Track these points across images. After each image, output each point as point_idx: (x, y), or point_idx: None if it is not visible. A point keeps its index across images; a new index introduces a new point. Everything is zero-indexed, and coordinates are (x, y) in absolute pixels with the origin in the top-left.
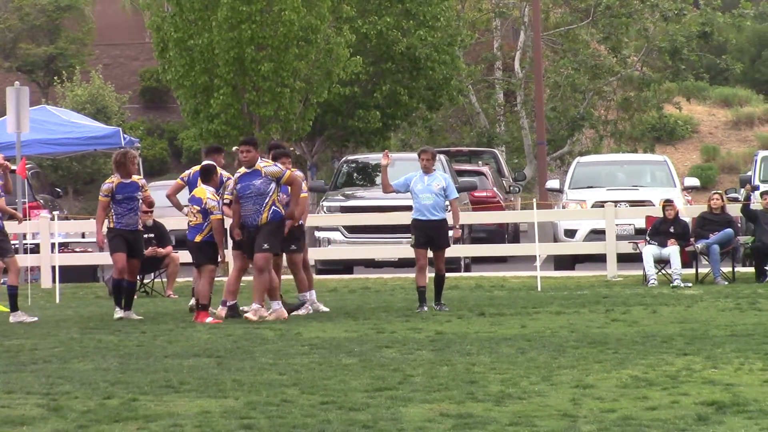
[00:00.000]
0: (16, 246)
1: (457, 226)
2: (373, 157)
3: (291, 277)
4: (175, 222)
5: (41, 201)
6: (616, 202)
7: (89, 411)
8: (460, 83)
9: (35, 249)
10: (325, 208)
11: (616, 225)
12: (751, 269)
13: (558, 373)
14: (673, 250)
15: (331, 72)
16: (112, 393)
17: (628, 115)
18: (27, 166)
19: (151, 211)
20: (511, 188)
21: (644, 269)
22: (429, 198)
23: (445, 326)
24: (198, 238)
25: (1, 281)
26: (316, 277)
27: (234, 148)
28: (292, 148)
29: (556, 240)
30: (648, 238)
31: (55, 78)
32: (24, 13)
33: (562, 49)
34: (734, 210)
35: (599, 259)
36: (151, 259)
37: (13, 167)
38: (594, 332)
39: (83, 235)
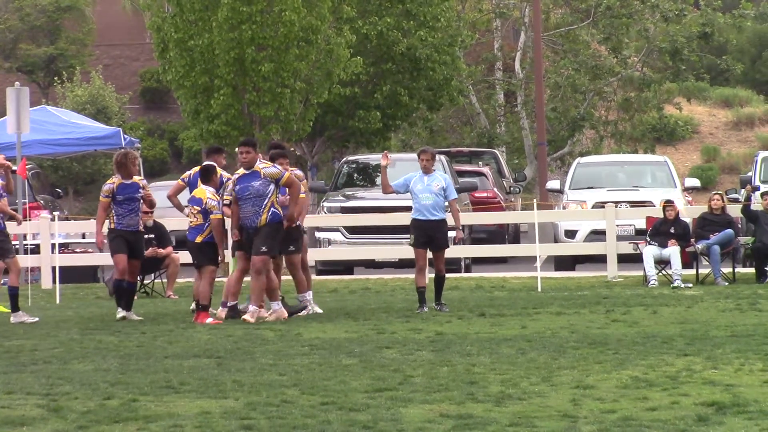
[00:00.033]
0: (17, 246)
1: (459, 227)
2: (374, 158)
3: (290, 277)
4: (175, 222)
5: (41, 201)
6: (616, 202)
7: (89, 411)
8: (461, 84)
9: (35, 249)
10: (325, 209)
11: (617, 225)
12: (752, 270)
13: (558, 373)
14: (673, 251)
15: (331, 72)
16: (112, 393)
17: (628, 115)
18: (27, 167)
19: (152, 212)
20: (512, 189)
21: (645, 270)
22: (429, 198)
23: (445, 327)
24: (199, 239)
25: (2, 282)
26: (316, 277)
27: (237, 149)
28: (292, 149)
29: (556, 241)
30: (648, 239)
31: (56, 78)
32: (24, 14)
33: (562, 50)
34: (735, 211)
35: (600, 259)
36: (152, 260)
37: (14, 168)
38: (594, 333)
39: (83, 236)
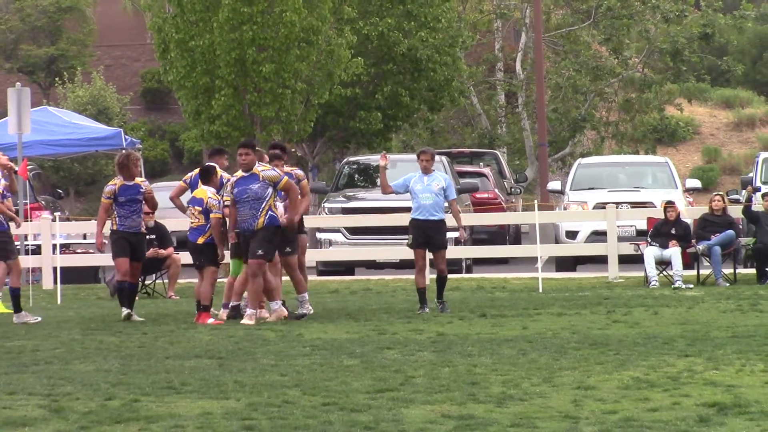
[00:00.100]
0: (18, 247)
1: (461, 227)
2: (375, 159)
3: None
4: (176, 223)
5: (42, 202)
6: (617, 203)
7: (91, 412)
8: (462, 84)
9: (36, 250)
10: (326, 210)
11: (618, 226)
12: (753, 271)
13: (559, 374)
14: (674, 252)
15: (332, 73)
16: (114, 394)
17: (629, 116)
18: (28, 167)
19: (153, 213)
20: (513, 189)
21: (645, 271)
22: (429, 198)
23: (446, 327)
24: (200, 240)
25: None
26: (317, 278)
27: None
28: (293, 150)
29: (557, 241)
30: (649, 240)
31: (57, 79)
32: (25, 14)
33: (563, 51)
34: (735, 211)
35: (600, 260)
36: (153, 261)
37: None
38: (595, 333)
39: (84, 237)
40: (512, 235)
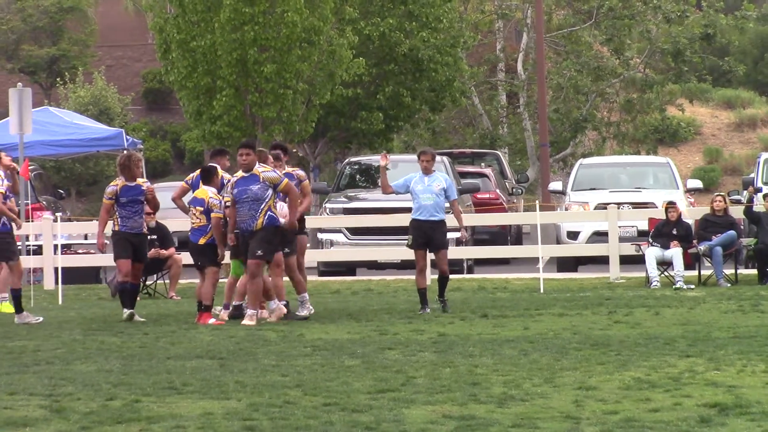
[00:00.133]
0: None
1: (462, 227)
2: (376, 159)
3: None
4: (177, 224)
5: (44, 202)
6: (618, 204)
7: (92, 412)
8: (463, 85)
9: (38, 250)
10: (327, 210)
11: (619, 227)
12: (754, 271)
13: (560, 374)
14: (675, 252)
15: (333, 73)
16: (115, 394)
17: (630, 116)
18: (30, 168)
19: (154, 213)
20: (514, 190)
21: (647, 271)
22: (430, 198)
23: (447, 328)
24: (202, 241)
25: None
26: (319, 278)
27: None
28: (295, 150)
29: (558, 242)
30: (651, 240)
31: (58, 79)
32: (27, 15)
33: (564, 51)
34: (737, 212)
35: (602, 260)
36: (154, 261)
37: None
38: (596, 334)
39: (86, 237)
40: (513, 235)
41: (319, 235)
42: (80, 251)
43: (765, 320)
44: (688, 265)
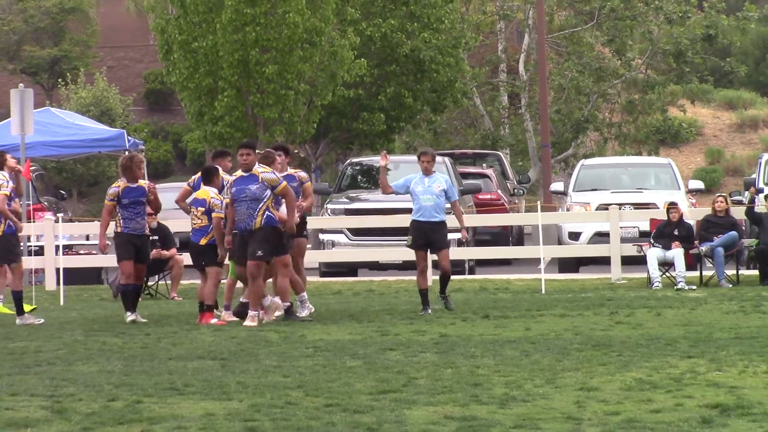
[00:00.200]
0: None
1: (463, 227)
2: (377, 160)
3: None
4: (179, 224)
5: (45, 203)
6: (620, 204)
7: (93, 413)
8: (465, 86)
9: (39, 251)
10: (329, 211)
11: (621, 227)
12: (755, 272)
13: (562, 375)
14: (677, 253)
15: (335, 74)
16: (117, 395)
17: (632, 117)
18: (31, 169)
19: (155, 214)
20: (516, 191)
21: (648, 272)
22: (430, 199)
23: (449, 329)
24: (203, 241)
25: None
26: (320, 279)
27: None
28: (296, 151)
29: (560, 242)
30: (652, 241)
31: (60, 80)
32: (28, 15)
33: (566, 52)
34: (738, 213)
35: (603, 261)
36: (156, 262)
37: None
38: (598, 335)
39: (87, 238)
40: (515, 236)
41: (321, 236)
42: (82, 252)
43: (767, 321)
44: (690, 266)
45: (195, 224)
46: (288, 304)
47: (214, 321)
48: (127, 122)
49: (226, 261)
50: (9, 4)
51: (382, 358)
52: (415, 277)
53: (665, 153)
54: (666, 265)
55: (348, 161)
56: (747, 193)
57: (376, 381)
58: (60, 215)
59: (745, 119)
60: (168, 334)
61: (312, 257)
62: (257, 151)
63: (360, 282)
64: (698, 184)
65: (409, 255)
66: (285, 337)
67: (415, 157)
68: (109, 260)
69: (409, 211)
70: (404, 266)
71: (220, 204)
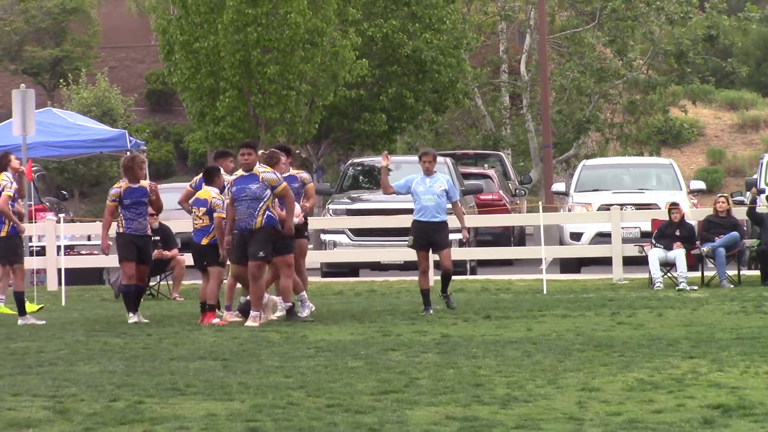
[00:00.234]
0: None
1: (464, 227)
2: (379, 160)
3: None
4: (180, 225)
5: (47, 204)
6: (621, 205)
7: (95, 413)
8: (466, 86)
9: (41, 252)
10: (331, 211)
11: (622, 228)
12: (757, 272)
13: (564, 376)
14: (678, 253)
15: (336, 75)
16: (118, 395)
17: (634, 118)
18: (33, 169)
19: (157, 215)
20: (517, 191)
21: (650, 272)
22: (431, 200)
23: (450, 329)
24: (204, 241)
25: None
26: (322, 280)
27: (259, 152)
28: (298, 151)
29: (561, 243)
30: (654, 241)
31: (61, 81)
32: (30, 16)
33: (567, 52)
34: (740, 213)
35: (605, 262)
36: (157, 262)
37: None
38: (600, 335)
39: (89, 238)
40: (516, 236)
41: (323, 236)
42: (83, 252)
43: None
44: (691, 267)
45: (196, 224)
46: (290, 304)
47: (215, 321)
48: (128, 123)
49: (228, 261)
50: (10, 5)
51: (383, 359)
52: (416, 278)
53: (666, 153)
54: (667, 265)
55: (349, 162)
56: (748, 193)
57: (378, 381)
58: (61, 216)
59: (746, 120)
60: (170, 334)
61: (313, 257)
62: (262, 151)
63: (361, 282)
64: (700, 185)
65: (411, 255)
66: (287, 337)
67: (416, 158)
68: (111, 261)
69: (410, 211)
70: (406, 267)
71: (221, 204)
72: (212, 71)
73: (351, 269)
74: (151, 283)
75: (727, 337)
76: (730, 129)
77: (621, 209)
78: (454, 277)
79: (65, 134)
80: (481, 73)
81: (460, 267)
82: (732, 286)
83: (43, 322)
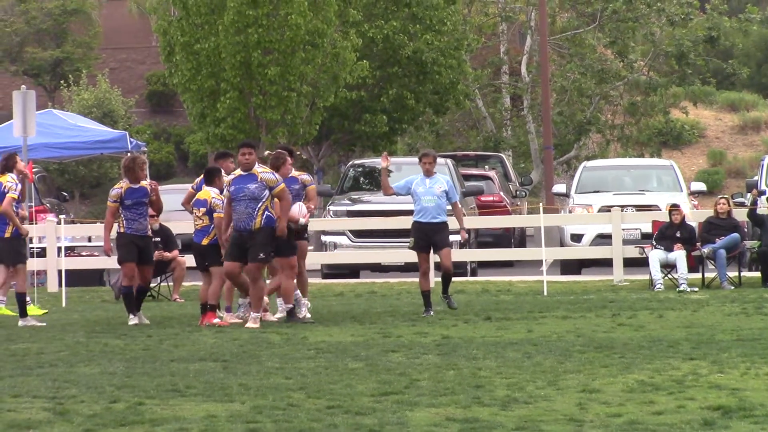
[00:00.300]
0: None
1: (463, 228)
2: (379, 162)
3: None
4: (181, 226)
5: (48, 205)
6: (622, 206)
7: (95, 415)
8: (467, 87)
9: (42, 253)
10: (331, 213)
11: (623, 229)
12: (758, 274)
13: (564, 377)
14: (679, 255)
15: (337, 76)
16: (119, 397)
17: (634, 119)
18: (33, 170)
19: (157, 216)
20: (518, 192)
21: (650, 274)
22: (431, 201)
23: (451, 330)
24: (205, 241)
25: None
26: (322, 281)
27: (266, 153)
28: (298, 152)
29: (562, 244)
30: (654, 243)
31: (62, 82)
32: (30, 17)
33: (568, 54)
34: (741, 215)
35: (606, 263)
36: (158, 263)
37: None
38: (600, 337)
39: (89, 239)
40: (517, 238)
41: (323, 238)
42: (84, 254)
43: None
44: (692, 268)
45: (197, 225)
46: (291, 306)
47: (216, 321)
48: (129, 124)
49: None
50: (11, 6)
51: (384, 360)
52: (417, 279)
53: (667, 155)
54: (668, 267)
55: (350, 163)
56: (749, 195)
57: (378, 383)
58: (62, 217)
59: (747, 121)
60: (170, 335)
61: (314, 259)
62: (268, 152)
63: (362, 284)
64: (700, 186)
65: (411, 257)
66: (287, 338)
67: (416, 159)
68: (111, 262)
69: (410, 213)
70: (406, 268)
71: (221, 204)
72: (213, 72)
73: (351, 270)
74: (152, 284)
75: (727, 338)
76: (731, 130)
77: (622, 211)
78: (454, 279)
79: (66, 135)
80: (481, 75)
81: (460, 268)
82: (732, 287)
83: (44, 323)
